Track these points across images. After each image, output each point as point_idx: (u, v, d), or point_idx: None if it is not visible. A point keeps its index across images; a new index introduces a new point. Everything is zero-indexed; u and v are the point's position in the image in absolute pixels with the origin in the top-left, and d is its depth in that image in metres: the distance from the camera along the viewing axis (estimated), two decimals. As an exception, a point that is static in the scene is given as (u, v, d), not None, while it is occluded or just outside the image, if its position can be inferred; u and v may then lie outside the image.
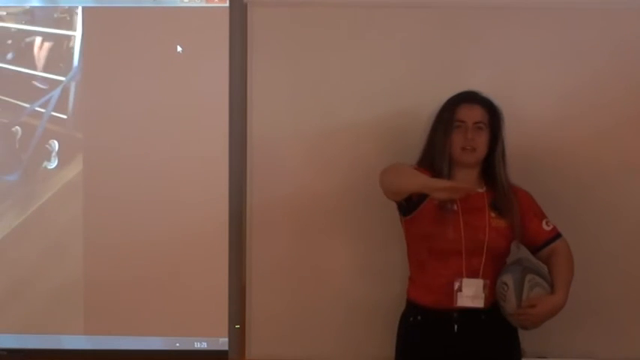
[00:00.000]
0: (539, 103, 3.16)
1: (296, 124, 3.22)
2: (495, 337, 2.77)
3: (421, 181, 2.68)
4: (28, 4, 3.29)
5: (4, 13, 3.28)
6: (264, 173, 3.23)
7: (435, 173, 2.79)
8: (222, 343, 3.27)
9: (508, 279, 2.72)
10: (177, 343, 3.28)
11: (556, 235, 2.85)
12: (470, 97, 2.85)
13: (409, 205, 2.81)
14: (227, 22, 3.24)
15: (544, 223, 2.85)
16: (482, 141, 2.80)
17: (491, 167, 2.84)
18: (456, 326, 2.74)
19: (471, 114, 2.81)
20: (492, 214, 2.79)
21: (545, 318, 2.74)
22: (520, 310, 2.70)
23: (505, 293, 2.71)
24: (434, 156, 2.83)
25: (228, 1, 3.24)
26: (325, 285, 3.22)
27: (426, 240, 2.80)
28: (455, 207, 2.77)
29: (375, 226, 3.17)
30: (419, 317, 2.81)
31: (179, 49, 3.25)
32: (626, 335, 3.17)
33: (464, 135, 2.79)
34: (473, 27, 3.18)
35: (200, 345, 3.27)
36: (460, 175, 2.82)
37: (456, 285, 2.74)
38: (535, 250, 2.86)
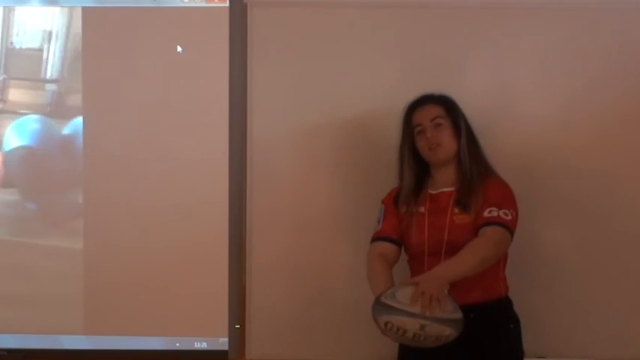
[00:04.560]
0: (539, 103, 3.16)
1: (296, 124, 3.22)
2: (486, 334, 2.74)
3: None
4: (28, 4, 3.29)
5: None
6: (264, 173, 3.23)
7: (403, 181, 2.86)
8: (222, 343, 3.27)
9: (380, 319, 2.58)
10: (177, 343, 3.28)
11: (492, 222, 2.70)
12: (422, 100, 2.89)
13: None
14: (227, 22, 3.24)
15: (487, 210, 2.72)
16: (444, 135, 2.82)
17: (458, 160, 2.84)
18: None
19: (426, 113, 2.84)
20: (456, 211, 2.79)
21: (439, 289, 2.54)
22: (419, 309, 2.51)
23: (397, 326, 2.55)
24: (401, 165, 2.88)
25: (228, 1, 3.25)
26: (325, 285, 3.22)
27: (404, 244, 2.85)
28: (422, 209, 2.82)
29: (373, 226, 3.16)
30: None
31: (179, 49, 3.25)
32: (626, 335, 3.17)
33: (425, 136, 2.82)
34: (473, 27, 3.18)
35: (200, 345, 3.27)
36: (438, 174, 2.85)
37: None
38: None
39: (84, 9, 3.27)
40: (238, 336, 3.27)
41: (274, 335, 3.25)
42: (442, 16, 3.19)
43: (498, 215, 2.71)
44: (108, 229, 3.28)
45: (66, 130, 3.30)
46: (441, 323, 2.54)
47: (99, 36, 3.28)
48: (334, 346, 3.23)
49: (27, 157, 3.33)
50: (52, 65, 3.28)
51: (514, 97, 3.10)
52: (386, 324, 2.57)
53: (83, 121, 3.28)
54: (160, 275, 3.26)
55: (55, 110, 3.30)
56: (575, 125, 3.16)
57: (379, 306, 2.60)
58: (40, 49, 3.29)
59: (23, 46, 3.30)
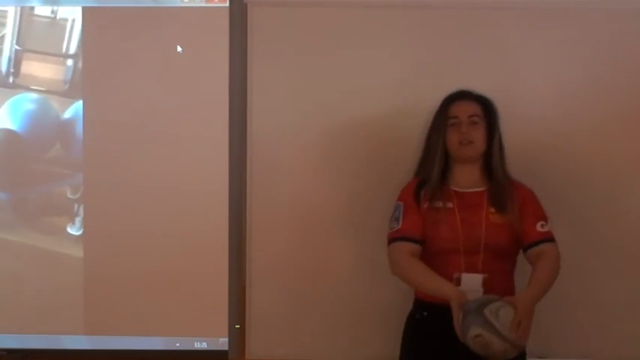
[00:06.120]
0: (539, 103, 3.16)
1: (296, 124, 3.22)
2: None
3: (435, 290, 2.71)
4: (28, 4, 3.30)
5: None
6: (264, 173, 3.23)
7: (429, 172, 2.81)
8: (222, 343, 3.27)
9: (475, 330, 2.55)
10: (177, 343, 3.28)
11: (547, 239, 2.78)
12: (463, 95, 2.87)
13: None
14: (227, 22, 3.24)
15: (539, 224, 2.78)
16: (478, 134, 2.81)
17: (488, 162, 2.83)
18: None
19: (464, 108, 2.82)
20: (492, 210, 2.78)
21: (531, 318, 2.61)
22: (513, 336, 2.55)
23: (486, 341, 2.55)
24: (428, 155, 2.84)
25: (228, 1, 3.25)
26: (325, 285, 3.22)
27: (426, 241, 2.79)
28: (450, 205, 2.79)
29: (374, 226, 3.16)
30: (425, 313, 2.81)
31: (179, 49, 3.25)
32: (626, 335, 3.17)
33: (459, 130, 2.80)
34: (473, 27, 3.18)
35: (200, 345, 3.27)
36: (460, 172, 2.83)
37: (454, 280, 2.71)
38: (524, 249, 2.80)
39: (84, 9, 3.27)
40: (238, 336, 3.27)
41: (274, 335, 3.25)
42: (442, 16, 3.19)
43: (549, 231, 2.79)
44: (108, 231, 3.27)
45: (64, 115, 3.30)
46: (517, 349, 2.61)
47: (99, 36, 3.28)
48: (334, 346, 3.23)
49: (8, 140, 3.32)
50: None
51: (514, 97, 3.10)
52: (477, 336, 2.54)
53: (84, 121, 3.28)
54: (160, 275, 3.26)
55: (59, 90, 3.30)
56: (576, 125, 3.16)
57: (480, 318, 2.55)
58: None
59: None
